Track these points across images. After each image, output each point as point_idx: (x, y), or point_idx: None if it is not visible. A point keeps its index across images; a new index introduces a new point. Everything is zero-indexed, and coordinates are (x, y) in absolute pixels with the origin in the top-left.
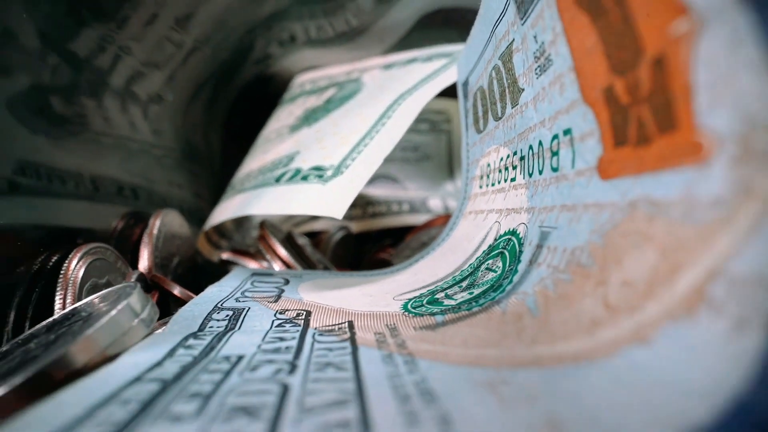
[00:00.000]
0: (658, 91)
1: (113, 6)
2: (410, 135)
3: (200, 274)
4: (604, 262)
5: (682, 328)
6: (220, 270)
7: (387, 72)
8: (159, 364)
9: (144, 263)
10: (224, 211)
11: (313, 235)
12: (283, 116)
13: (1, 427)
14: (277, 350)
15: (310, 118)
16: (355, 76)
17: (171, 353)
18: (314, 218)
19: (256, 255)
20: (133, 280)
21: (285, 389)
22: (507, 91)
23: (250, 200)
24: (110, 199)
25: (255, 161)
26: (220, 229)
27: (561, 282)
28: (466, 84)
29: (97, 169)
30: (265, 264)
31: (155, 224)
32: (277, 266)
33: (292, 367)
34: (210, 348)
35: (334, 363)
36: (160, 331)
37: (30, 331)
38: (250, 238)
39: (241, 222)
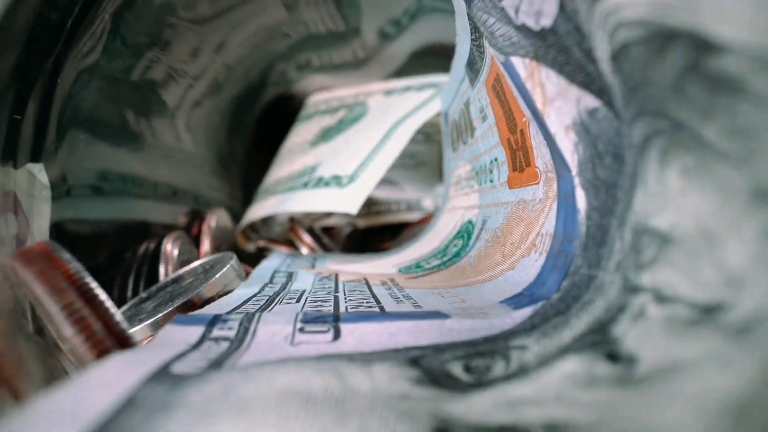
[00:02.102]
0: (523, 146)
1: (173, 41)
2: (408, 145)
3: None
4: (505, 234)
5: (525, 260)
6: (256, 256)
7: (388, 98)
8: (260, 291)
9: (205, 248)
10: (261, 209)
11: (326, 230)
12: (302, 132)
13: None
14: (323, 288)
15: (326, 135)
16: (362, 99)
17: (262, 289)
18: (328, 215)
19: (285, 243)
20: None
21: (336, 297)
22: (468, 127)
23: (284, 201)
24: (168, 199)
25: (283, 169)
26: (251, 225)
27: (488, 246)
28: (446, 114)
29: (156, 175)
30: (292, 250)
31: (212, 219)
32: (305, 250)
33: (336, 291)
34: (283, 287)
35: (358, 290)
36: (244, 283)
37: (157, 285)
38: (273, 232)
39: (266, 220)
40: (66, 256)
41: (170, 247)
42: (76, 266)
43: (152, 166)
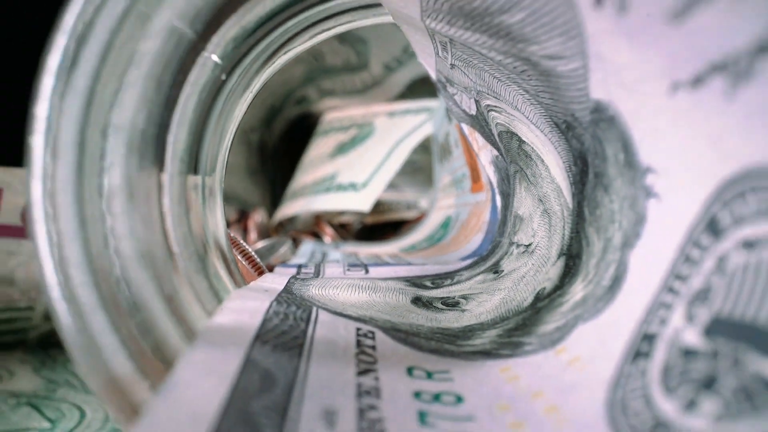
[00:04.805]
0: (475, 168)
1: None
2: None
3: None
4: (467, 223)
5: (475, 237)
6: None
7: (391, 120)
8: (309, 261)
9: (252, 237)
10: (291, 208)
11: (341, 226)
12: (320, 146)
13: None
14: (350, 258)
15: (342, 149)
16: (369, 120)
17: (309, 259)
18: (342, 213)
19: (310, 234)
20: (265, 242)
21: (362, 262)
22: (449, 149)
23: (311, 201)
24: None
25: (307, 177)
26: (280, 222)
27: (458, 232)
28: (436, 136)
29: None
30: (315, 240)
31: (256, 215)
32: (327, 240)
33: (359, 259)
34: (322, 259)
35: (374, 258)
36: (294, 257)
37: None
38: (297, 227)
39: (291, 217)
40: (228, 230)
41: (233, 236)
42: (235, 235)
43: None
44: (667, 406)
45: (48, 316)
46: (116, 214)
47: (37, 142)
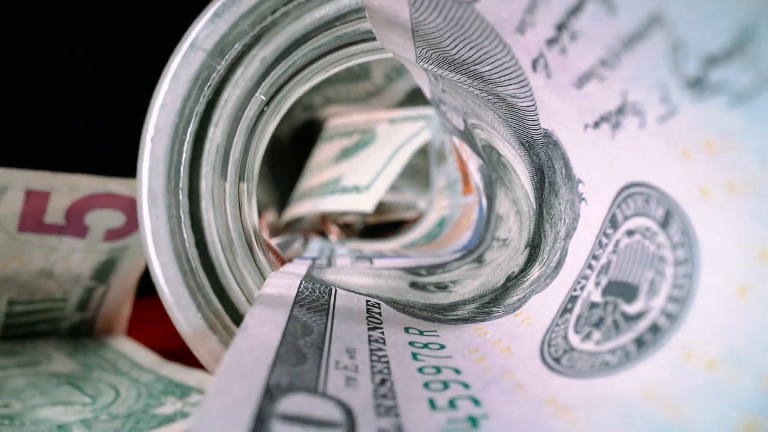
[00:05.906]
0: (466, 173)
1: None
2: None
3: None
4: (459, 221)
5: (465, 234)
6: None
7: (391, 126)
8: (319, 254)
9: (265, 236)
10: (299, 208)
11: (345, 225)
12: (325, 150)
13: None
14: (356, 253)
15: (346, 154)
16: (372, 126)
17: (319, 254)
18: (345, 214)
19: (317, 233)
20: (277, 242)
21: (367, 256)
22: (444, 155)
23: (317, 203)
24: None
25: (313, 179)
26: (288, 221)
27: (451, 229)
28: (433, 143)
29: None
30: (322, 238)
31: (268, 216)
32: (333, 238)
33: (364, 254)
34: (331, 253)
35: (376, 253)
36: (306, 252)
37: None
38: (303, 227)
39: (299, 218)
40: None
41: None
42: (263, 234)
43: None
44: (575, 339)
45: (79, 307)
46: (203, 212)
47: (145, 162)
